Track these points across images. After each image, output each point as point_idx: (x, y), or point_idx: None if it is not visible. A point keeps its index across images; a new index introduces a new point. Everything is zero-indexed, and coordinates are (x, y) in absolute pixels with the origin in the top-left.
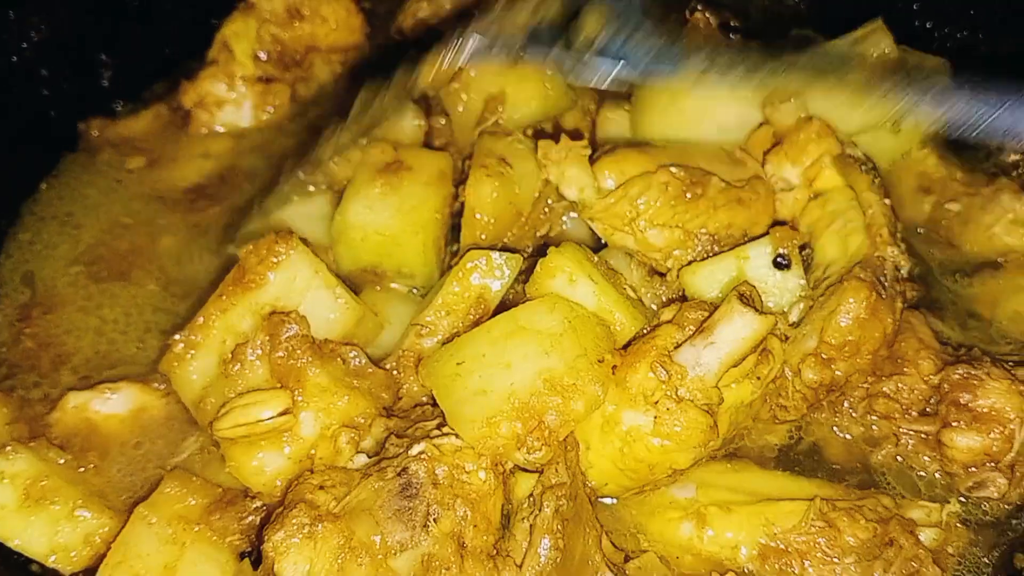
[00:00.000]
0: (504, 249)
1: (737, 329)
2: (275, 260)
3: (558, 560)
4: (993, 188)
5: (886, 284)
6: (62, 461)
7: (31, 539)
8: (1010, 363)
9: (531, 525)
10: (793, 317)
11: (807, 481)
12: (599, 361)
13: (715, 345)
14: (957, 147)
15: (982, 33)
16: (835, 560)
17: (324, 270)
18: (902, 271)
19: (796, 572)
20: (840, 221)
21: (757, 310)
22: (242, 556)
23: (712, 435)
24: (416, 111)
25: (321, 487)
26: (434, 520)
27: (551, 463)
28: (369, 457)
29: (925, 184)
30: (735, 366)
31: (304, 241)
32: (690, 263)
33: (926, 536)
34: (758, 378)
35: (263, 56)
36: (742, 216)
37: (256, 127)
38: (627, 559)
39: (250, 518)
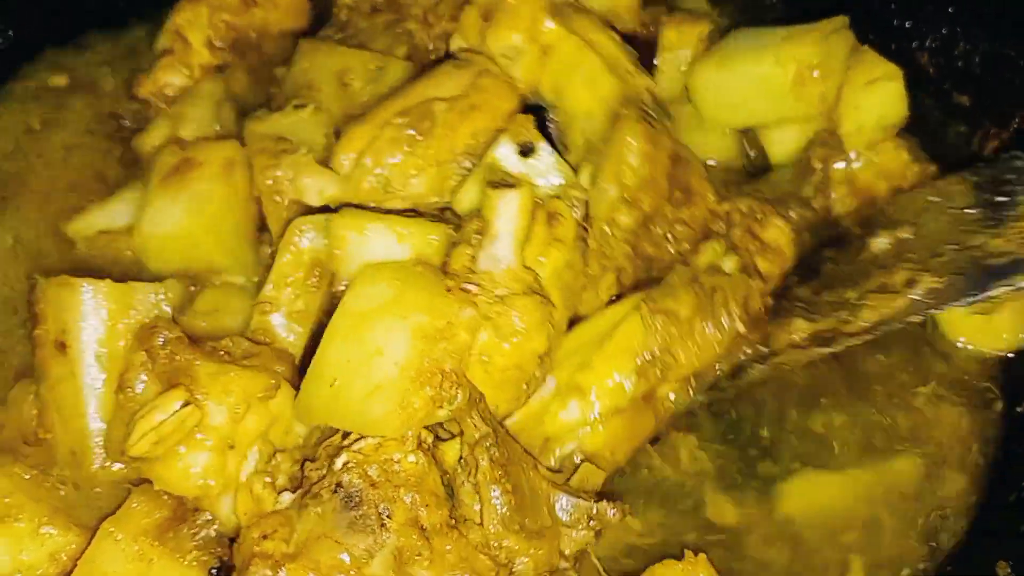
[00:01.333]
0: (327, 210)
1: (503, 211)
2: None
3: (513, 503)
4: None
5: (651, 111)
6: (28, 476)
7: None
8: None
9: (475, 483)
10: (584, 180)
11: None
12: (447, 290)
13: (497, 236)
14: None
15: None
16: (692, 335)
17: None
18: (656, 94)
19: (677, 364)
20: (580, 70)
21: (510, 185)
22: (211, 572)
23: (548, 307)
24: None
25: (264, 536)
26: (388, 516)
27: (466, 424)
28: (292, 492)
29: (898, 182)
30: (527, 241)
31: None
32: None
33: (728, 266)
34: (558, 239)
35: (219, 44)
36: (481, 119)
37: None
38: (568, 478)
39: (203, 532)
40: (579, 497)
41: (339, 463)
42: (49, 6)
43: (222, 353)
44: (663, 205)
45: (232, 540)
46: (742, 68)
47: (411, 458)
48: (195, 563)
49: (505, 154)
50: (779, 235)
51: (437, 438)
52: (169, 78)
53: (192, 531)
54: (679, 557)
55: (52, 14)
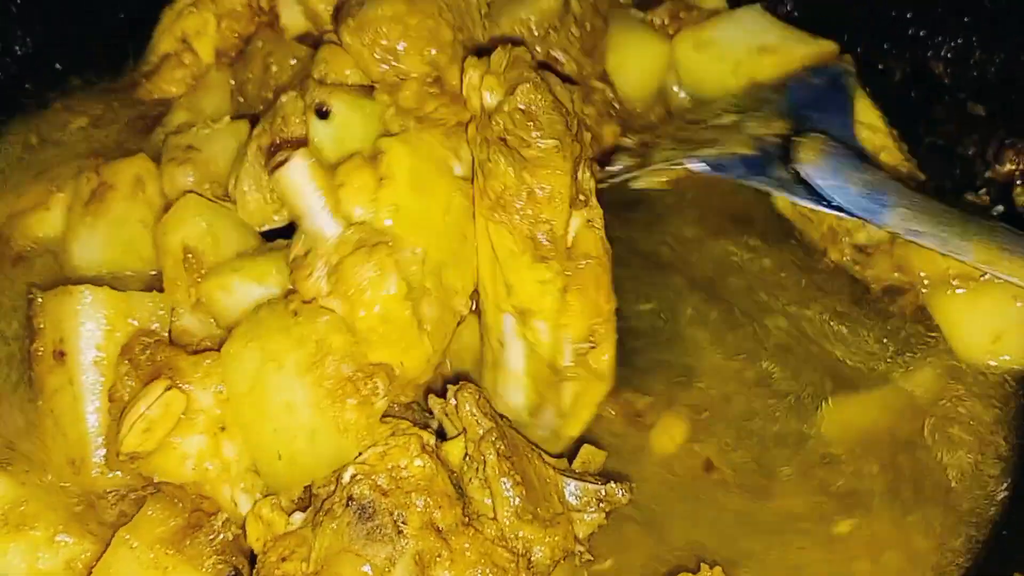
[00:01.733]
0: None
1: (287, 187)
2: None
3: (524, 493)
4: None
5: None
6: (42, 483)
7: (10, 566)
8: None
9: (484, 478)
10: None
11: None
12: (295, 313)
13: (301, 214)
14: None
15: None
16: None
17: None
18: None
19: (539, 207)
20: None
21: (285, 159)
22: None
23: (380, 252)
24: None
25: (283, 559)
26: (403, 522)
27: (468, 421)
28: (303, 511)
29: None
30: (341, 199)
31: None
32: None
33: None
34: (383, 179)
35: (229, 54)
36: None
37: None
38: (570, 461)
39: (221, 536)
40: (586, 481)
41: (347, 477)
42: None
43: (203, 350)
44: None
45: (252, 555)
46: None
47: (417, 462)
48: (211, 571)
49: (316, 131)
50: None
51: (441, 438)
52: (173, 87)
53: (209, 536)
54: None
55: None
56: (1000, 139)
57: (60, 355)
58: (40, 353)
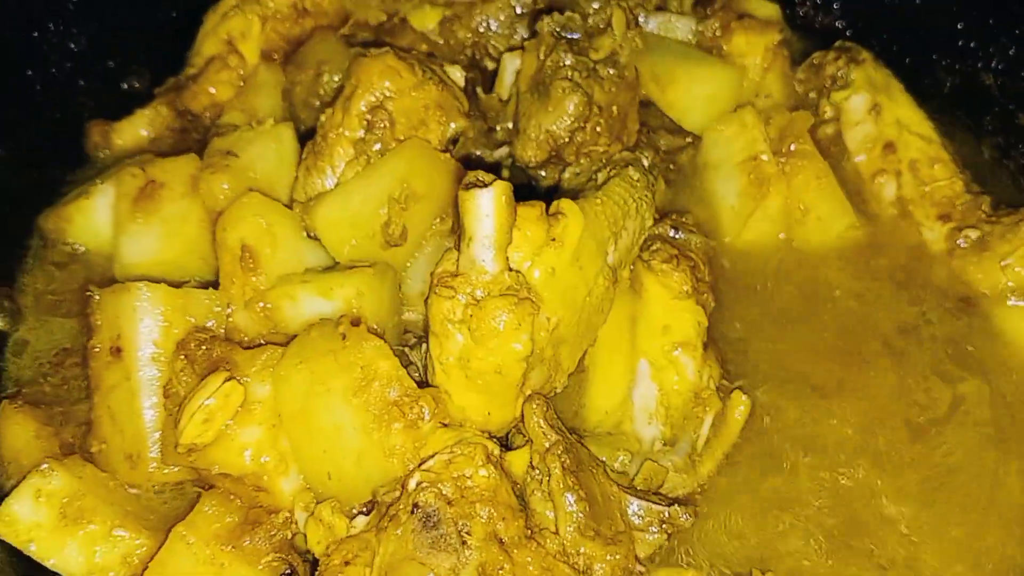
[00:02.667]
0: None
1: (474, 212)
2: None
3: (587, 509)
4: (1017, 218)
5: None
6: (99, 478)
7: (68, 560)
8: None
9: (548, 492)
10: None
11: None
12: (343, 337)
13: (472, 238)
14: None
15: None
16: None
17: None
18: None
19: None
20: None
21: (483, 184)
22: None
23: (528, 308)
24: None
25: (346, 563)
26: (468, 533)
27: (535, 432)
28: (366, 515)
29: (947, 210)
30: (512, 241)
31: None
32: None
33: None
34: (556, 240)
35: (274, 56)
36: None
37: None
38: (632, 479)
39: (279, 534)
40: (650, 501)
41: (412, 484)
42: None
43: (256, 346)
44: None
45: (306, 555)
46: None
47: (482, 472)
48: (267, 568)
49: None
50: None
51: (506, 447)
52: (219, 89)
53: (270, 533)
54: None
55: None
56: None
57: (117, 351)
58: (97, 350)
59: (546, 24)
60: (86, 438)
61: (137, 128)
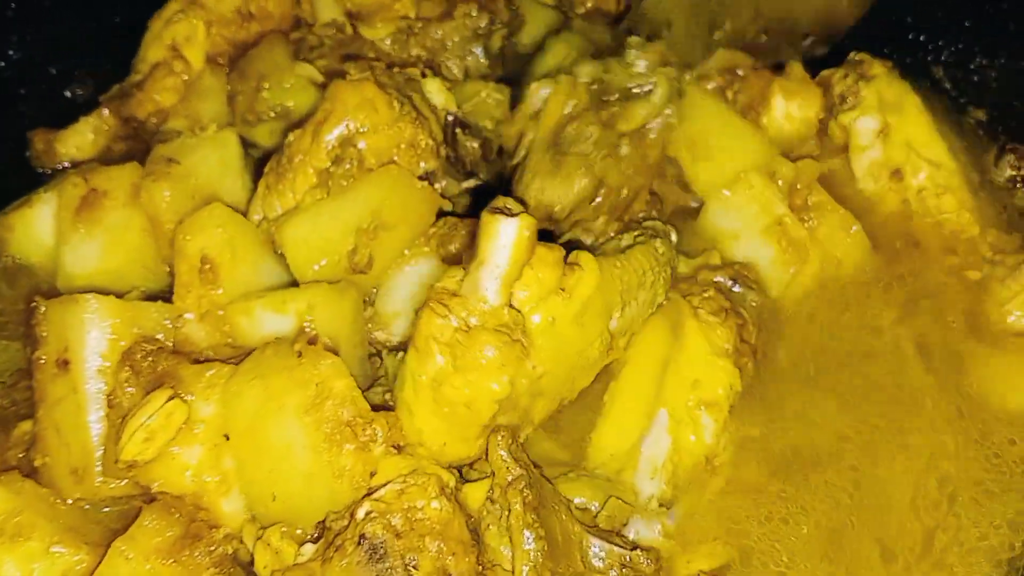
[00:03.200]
0: None
1: (492, 237)
2: None
3: (545, 549)
4: (1018, 260)
5: None
6: (38, 494)
7: None
8: None
9: (507, 527)
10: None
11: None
12: (299, 354)
13: (482, 262)
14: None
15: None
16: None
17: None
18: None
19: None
20: None
21: (511, 213)
22: None
23: (517, 351)
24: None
25: None
26: (414, 567)
27: (498, 465)
28: (314, 543)
29: (952, 244)
30: (520, 278)
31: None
32: None
33: None
34: (566, 291)
35: (220, 61)
36: None
37: None
38: (595, 516)
39: (219, 549)
40: (612, 543)
41: (361, 513)
42: None
43: (204, 360)
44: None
45: (249, 568)
46: None
47: (435, 504)
48: None
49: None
50: None
51: (464, 479)
52: (165, 96)
53: (209, 548)
54: None
55: None
56: (1002, 144)
57: (64, 364)
58: (42, 362)
59: (585, 72)
60: (29, 452)
61: (81, 136)
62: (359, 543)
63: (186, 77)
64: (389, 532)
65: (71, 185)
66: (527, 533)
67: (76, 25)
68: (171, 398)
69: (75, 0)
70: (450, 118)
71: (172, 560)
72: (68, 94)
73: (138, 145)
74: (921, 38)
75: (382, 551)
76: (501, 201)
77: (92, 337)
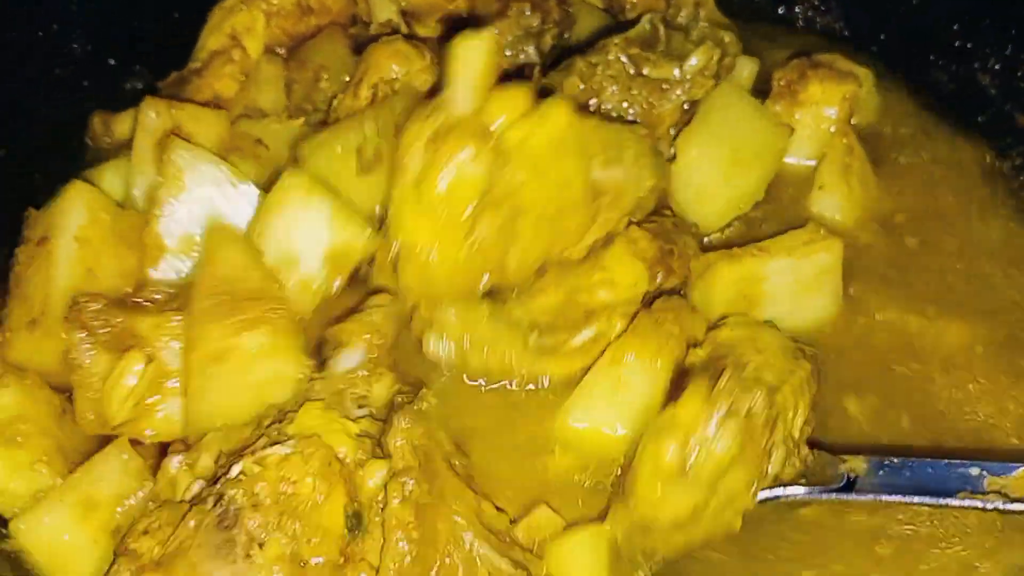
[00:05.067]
0: None
1: (463, 55)
2: None
3: (416, 553)
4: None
5: None
6: (49, 406)
7: None
8: None
9: (382, 519)
10: None
11: None
12: None
13: (453, 79)
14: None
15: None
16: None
17: None
18: None
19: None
20: None
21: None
22: None
23: (492, 155)
24: None
25: (146, 531)
26: (259, 546)
27: (395, 448)
28: (207, 483)
29: None
30: (488, 88)
31: None
32: None
33: None
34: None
35: (279, 51)
36: None
37: None
38: (513, 521)
39: None
40: (507, 556)
41: (235, 471)
42: None
43: (148, 304)
44: None
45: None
46: None
47: (308, 480)
48: None
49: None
50: None
51: (381, 450)
52: (225, 84)
53: None
54: None
55: None
56: None
57: (43, 240)
58: (23, 253)
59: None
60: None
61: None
62: (215, 503)
63: (244, 66)
64: (248, 500)
65: (153, 112)
66: (399, 532)
67: (136, 19)
68: (147, 361)
69: None
70: None
71: None
72: (127, 86)
73: None
74: (968, 45)
75: (232, 519)
76: (465, 32)
77: (73, 210)
